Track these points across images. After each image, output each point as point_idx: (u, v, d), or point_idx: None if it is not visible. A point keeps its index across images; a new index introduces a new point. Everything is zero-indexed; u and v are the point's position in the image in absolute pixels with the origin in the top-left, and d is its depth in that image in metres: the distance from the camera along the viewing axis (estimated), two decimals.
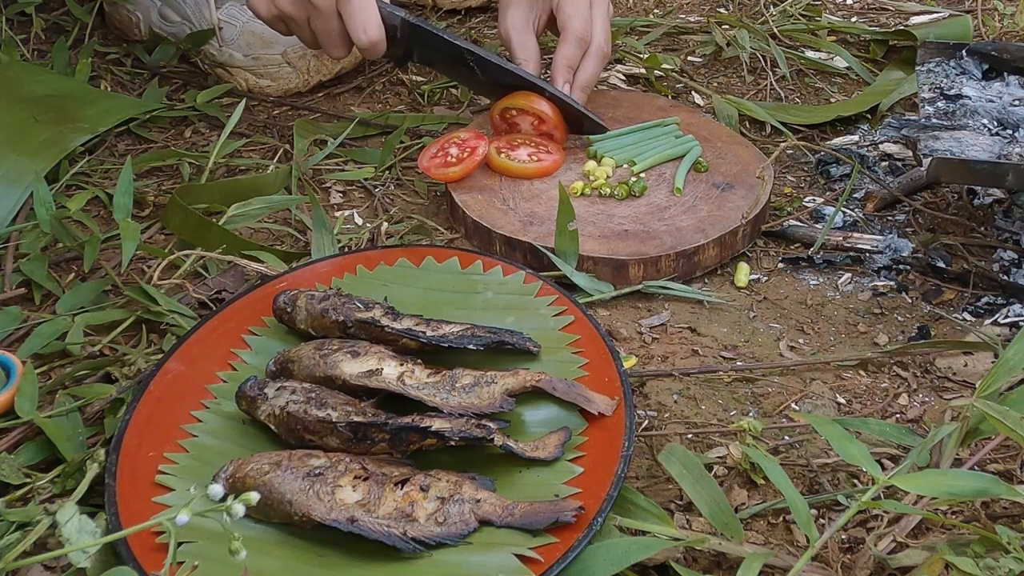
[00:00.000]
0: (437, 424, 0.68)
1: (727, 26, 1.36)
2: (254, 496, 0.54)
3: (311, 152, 1.10)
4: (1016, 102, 0.98)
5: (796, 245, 0.99)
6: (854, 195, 1.05)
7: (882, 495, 0.67)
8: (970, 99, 0.99)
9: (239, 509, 0.54)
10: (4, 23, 1.27)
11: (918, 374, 0.84)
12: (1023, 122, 0.95)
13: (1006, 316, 0.89)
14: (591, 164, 1.01)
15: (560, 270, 0.89)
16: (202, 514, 0.54)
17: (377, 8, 0.98)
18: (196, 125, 1.17)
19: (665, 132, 1.07)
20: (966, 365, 0.84)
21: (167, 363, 0.76)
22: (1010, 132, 0.95)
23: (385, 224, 0.97)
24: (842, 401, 0.81)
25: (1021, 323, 0.88)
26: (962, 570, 0.60)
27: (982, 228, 0.99)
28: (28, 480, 0.70)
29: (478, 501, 0.65)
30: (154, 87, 1.20)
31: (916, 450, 0.68)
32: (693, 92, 1.24)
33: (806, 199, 1.05)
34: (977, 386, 0.71)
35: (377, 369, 0.73)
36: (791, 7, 1.41)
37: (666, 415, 0.80)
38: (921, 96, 1.00)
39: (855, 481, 0.74)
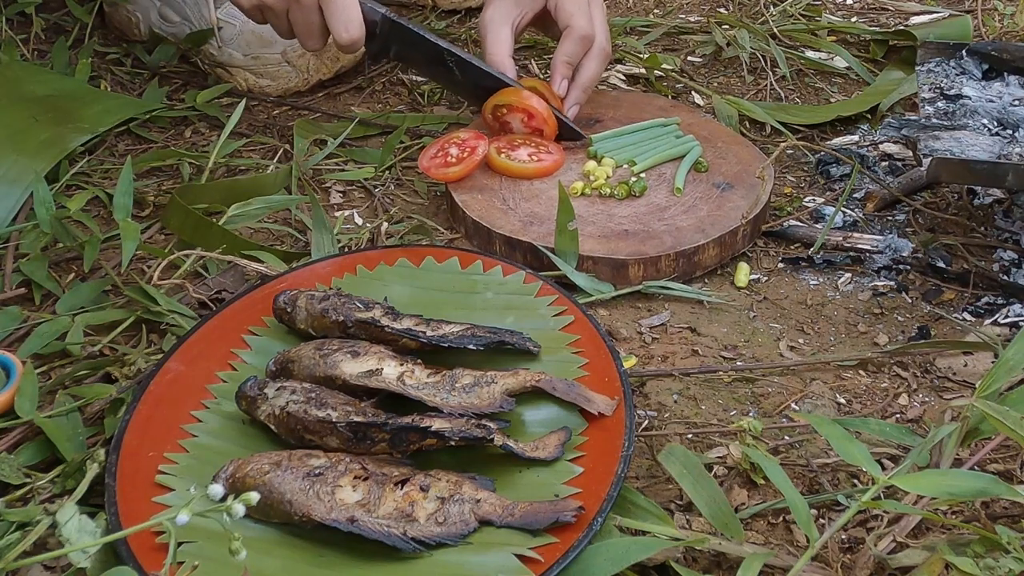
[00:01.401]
0: (437, 424, 0.68)
1: (727, 26, 1.36)
2: (254, 496, 0.54)
3: (311, 152, 1.10)
4: (1016, 102, 0.98)
5: (796, 245, 0.99)
6: (854, 195, 1.05)
7: (882, 495, 0.67)
8: (970, 99, 0.99)
9: (239, 509, 0.54)
10: (4, 23, 1.27)
11: (918, 374, 0.84)
12: (1023, 122, 0.95)
13: (1006, 316, 0.89)
14: (591, 164, 1.01)
15: (560, 270, 0.89)
16: (202, 514, 0.54)
17: (359, 4, 0.97)
18: (196, 125, 1.17)
19: (665, 132, 1.07)
20: (966, 365, 0.84)
21: (167, 363, 0.76)
22: (1010, 132, 0.95)
23: (385, 224, 0.97)
24: (842, 401, 0.81)
25: (1021, 323, 0.88)
26: (962, 570, 0.60)
27: (982, 228, 0.99)
28: (28, 480, 0.70)
29: (478, 501, 0.65)
30: (154, 87, 1.20)
31: (916, 450, 0.68)
32: (693, 92, 1.24)
33: (806, 199, 1.05)
34: (977, 386, 0.71)
35: (377, 369, 0.73)
36: (791, 7, 1.41)
37: (666, 415, 0.80)
38: (921, 96, 1.00)
39: (855, 481, 0.74)
